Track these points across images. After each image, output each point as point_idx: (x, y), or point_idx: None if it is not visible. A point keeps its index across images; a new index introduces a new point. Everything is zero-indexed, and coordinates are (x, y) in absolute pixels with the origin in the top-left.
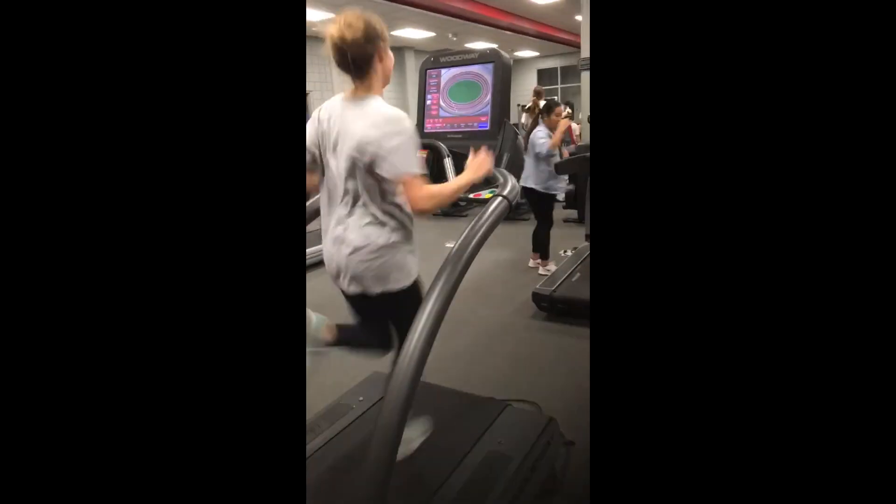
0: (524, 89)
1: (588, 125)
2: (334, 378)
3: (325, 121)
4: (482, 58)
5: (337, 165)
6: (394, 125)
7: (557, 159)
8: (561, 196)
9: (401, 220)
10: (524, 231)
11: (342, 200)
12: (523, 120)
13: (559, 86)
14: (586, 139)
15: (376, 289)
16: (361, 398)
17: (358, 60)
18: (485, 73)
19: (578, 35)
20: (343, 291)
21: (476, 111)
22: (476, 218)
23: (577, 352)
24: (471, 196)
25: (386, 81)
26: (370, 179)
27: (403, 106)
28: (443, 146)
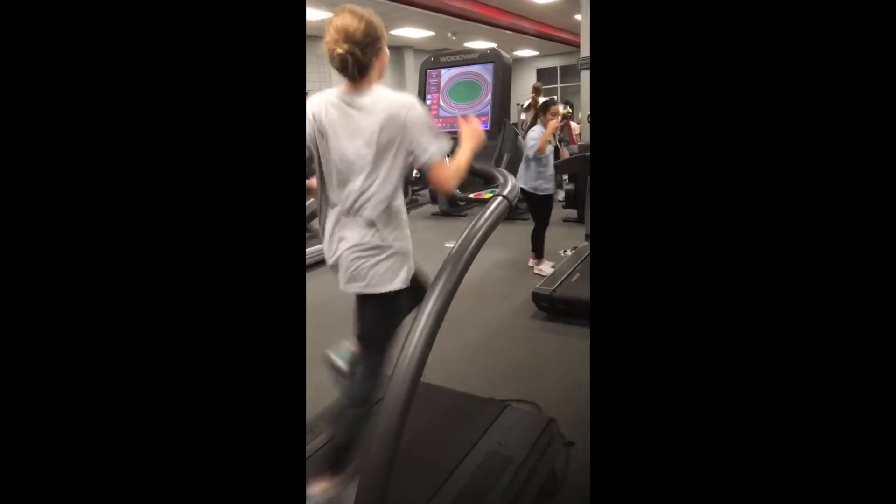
0: (524, 89)
1: (588, 125)
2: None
3: (322, 118)
4: (482, 57)
5: (340, 161)
6: (412, 110)
7: (551, 160)
8: (560, 196)
9: (398, 222)
10: (524, 231)
11: (342, 197)
12: (522, 117)
13: (559, 85)
14: (586, 139)
15: (365, 288)
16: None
17: (359, 65)
18: (485, 72)
19: (578, 34)
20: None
21: (476, 111)
22: (476, 218)
23: (577, 352)
24: (471, 196)
25: (381, 76)
26: (380, 171)
27: None
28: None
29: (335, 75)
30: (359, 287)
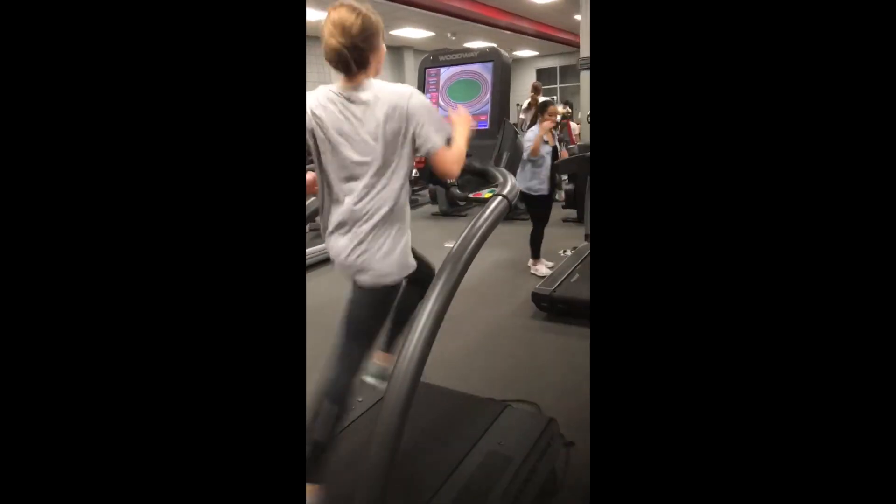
0: (523, 89)
1: (588, 125)
2: None
3: (321, 114)
4: (482, 57)
5: (344, 158)
6: (413, 97)
7: (547, 160)
8: (560, 196)
9: (403, 217)
10: (524, 231)
11: (348, 193)
12: (522, 116)
13: (558, 85)
14: (586, 139)
15: (369, 279)
16: (360, 399)
17: (356, 60)
18: (484, 71)
19: (577, 35)
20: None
21: (475, 110)
22: (476, 218)
23: (576, 352)
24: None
25: (377, 72)
26: (389, 167)
27: None
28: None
29: (334, 75)
30: (363, 278)
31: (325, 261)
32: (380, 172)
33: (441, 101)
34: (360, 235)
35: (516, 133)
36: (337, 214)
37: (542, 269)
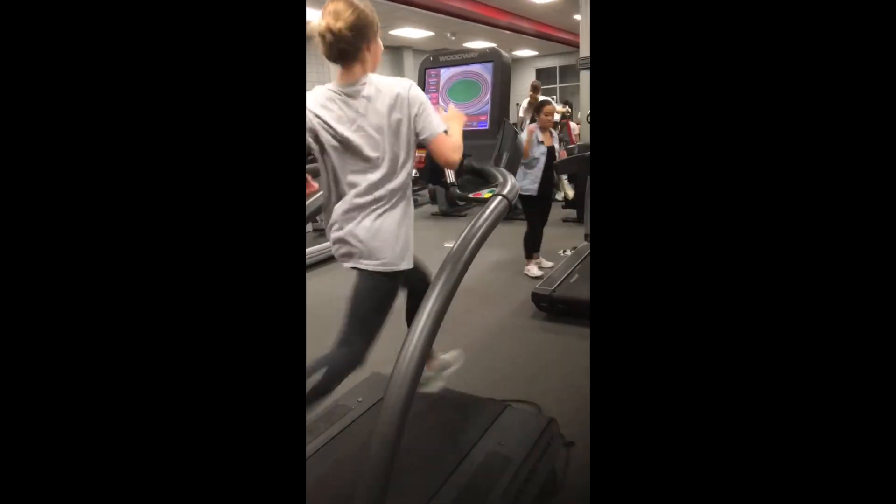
0: (523, 89)
1: (588, 125)
2: None
3: (322, 113)
4: (482, 57)
5: (349, 153)
6: (412, 88)
7: (541, 161)
8: (559, 196)
9: (409, 207)
10: (524, 231)
11: (352, 184)
12: (521, 114)
13: (558, 85)
14: (586, 139)
15: (378, 265)
16: (360, 399)
17: (347, 51)
18: (484, 72)
19: (577, 34)
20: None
21: (475, 110)
22: (476, 217)
23: (576, 352)
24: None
25: (374, 68)
26: (399, 160)
27: None
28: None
29: (335, 75)
30: (369, 263)
31: (325, 261)
32: (386, 164)
33: (441, 102)
34: (367, 224)
35: (516, 133)
36: (342, 208)
37: (534, 269)
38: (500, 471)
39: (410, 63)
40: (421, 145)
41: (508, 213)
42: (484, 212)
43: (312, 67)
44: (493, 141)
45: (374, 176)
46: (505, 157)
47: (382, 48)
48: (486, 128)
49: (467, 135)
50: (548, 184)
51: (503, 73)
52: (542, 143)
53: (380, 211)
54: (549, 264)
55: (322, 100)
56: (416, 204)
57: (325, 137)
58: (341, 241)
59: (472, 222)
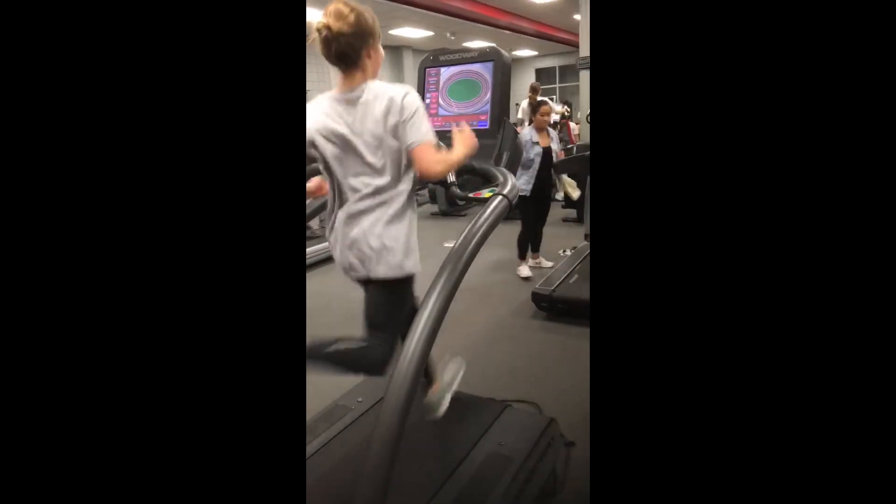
0: (523, 89)
1: (588, 125)
2: (332, 379)
3: (326, 120)
4: (482, 56)
5: (353, 158)
6: (409, 94)
7: (536, 162)
8: (559, 196)
9: (410, 206)
10: None
11: (355, 189)
12: (520, 115)
13: (557, 85)
14: (586, 139)
15: (388, 271)
16: (360, 399)
17: (346, 54)
18: (484, 71)
19: (577, 34)
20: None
21: (475, 110)
22: (476, 217)
23: (576, 352)
24: (471, 195)
25: (374, 74)
26: (400, 166)
27: None
28: (442, 145)
29: (334, 76)
30: (379, 269)
31: (325, 261)
32: (387, 169)
33: (441, 101)
34: (373, 230)
35: (516, 133)
36: (346, 214)
37: (525, 270)
38: (500, 471)
39: (410, 63)
40: None
41: (509, 213)
42: (484, 212)
43: (311, 67)
44: (493, 140)
45: (376, 181)
46: (505, 157)
47: (383, 56)
48: (487, 127)
49: None
50: (544, 184)
51: (503, 73)
52: (537, 143)
53: (386, 216)
54: (549, 264)
55: (325, 108)
56: (417, 204)
57: (329, 145)
58: (348, 248)
59: (473, 222)
